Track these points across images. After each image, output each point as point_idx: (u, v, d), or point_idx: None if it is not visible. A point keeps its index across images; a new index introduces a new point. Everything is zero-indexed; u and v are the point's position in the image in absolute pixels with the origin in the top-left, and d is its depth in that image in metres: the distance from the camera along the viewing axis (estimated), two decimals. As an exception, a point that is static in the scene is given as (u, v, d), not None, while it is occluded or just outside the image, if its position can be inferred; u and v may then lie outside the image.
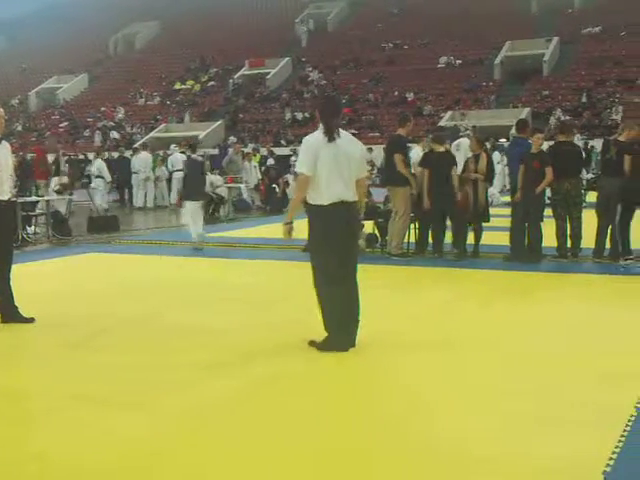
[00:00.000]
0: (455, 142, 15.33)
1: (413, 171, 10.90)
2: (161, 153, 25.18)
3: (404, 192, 10.44)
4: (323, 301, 5.75)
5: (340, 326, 5.70)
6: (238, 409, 4.60)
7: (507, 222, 10.42)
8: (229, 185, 18.72)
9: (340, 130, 5.78)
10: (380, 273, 9.65)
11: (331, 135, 5.65)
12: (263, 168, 22.99)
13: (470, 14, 42.88)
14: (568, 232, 9.99)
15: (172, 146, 23.45)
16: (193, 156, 13.07)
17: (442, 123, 32.27)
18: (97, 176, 19.99)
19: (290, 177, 22.08)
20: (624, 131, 10.04)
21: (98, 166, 20.27)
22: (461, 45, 41.26)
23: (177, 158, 20.27)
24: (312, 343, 5.78)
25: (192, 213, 12.17)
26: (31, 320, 6.79)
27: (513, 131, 15.56)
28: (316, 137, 5.71)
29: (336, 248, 5.68)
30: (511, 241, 10.18)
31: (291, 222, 5.96)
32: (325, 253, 5.74)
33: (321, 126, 5.71)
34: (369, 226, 11.50)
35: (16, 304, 6.87)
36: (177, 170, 19.75)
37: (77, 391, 4.96)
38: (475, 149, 10.85)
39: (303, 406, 4.61)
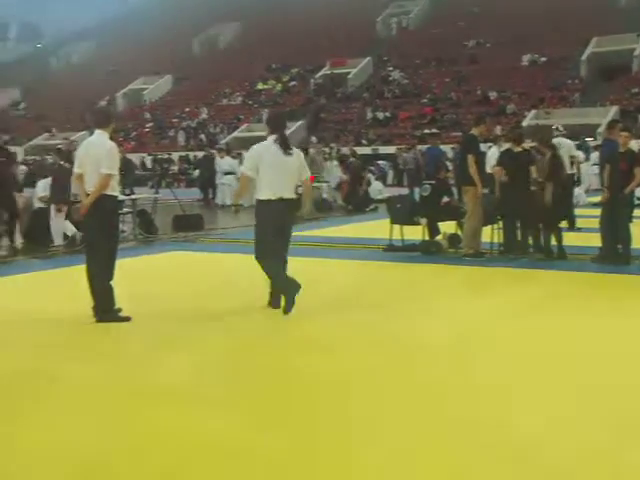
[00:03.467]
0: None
1: (490, 171, 10.81)
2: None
3: (474, 192, 10.37)
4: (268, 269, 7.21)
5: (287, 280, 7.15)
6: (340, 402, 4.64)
7: (597, 223, 10.19)
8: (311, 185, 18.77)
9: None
10: (446, 274, 9.72)
11: (285, 144, 7.13)
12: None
13: (555, 10, 42.00)
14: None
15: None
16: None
17: (525, 122, 31.75)
18: (227, 173, 20.53)
19: (372, 176, 22.09)
20: None
21: (230, 163, 20.91)
22: (546, 42, 40.45)
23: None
24: (271, 304, 7.28)
25: None
26: (127, 319, 6.93)
27: (600, 130, 15.20)
28: (265, 145, 7.19)
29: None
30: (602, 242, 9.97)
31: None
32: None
33: (273, 136, 7.16)
34: (451, 226, 11.43)
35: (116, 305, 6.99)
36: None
37: (166, 388, 5.09)
38: (542, 149, 10.63)
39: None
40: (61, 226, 12.35)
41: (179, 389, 5.02)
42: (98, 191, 6.87)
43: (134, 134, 44.79)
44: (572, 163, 13.62)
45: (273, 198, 7.07)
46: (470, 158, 10.36)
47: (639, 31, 38.50)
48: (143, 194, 16.70)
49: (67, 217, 12.28)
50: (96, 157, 6.90)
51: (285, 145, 7.15)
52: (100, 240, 6.97)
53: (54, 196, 12.32)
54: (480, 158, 10.75)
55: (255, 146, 7.29)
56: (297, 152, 7.36)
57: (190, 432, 4.22)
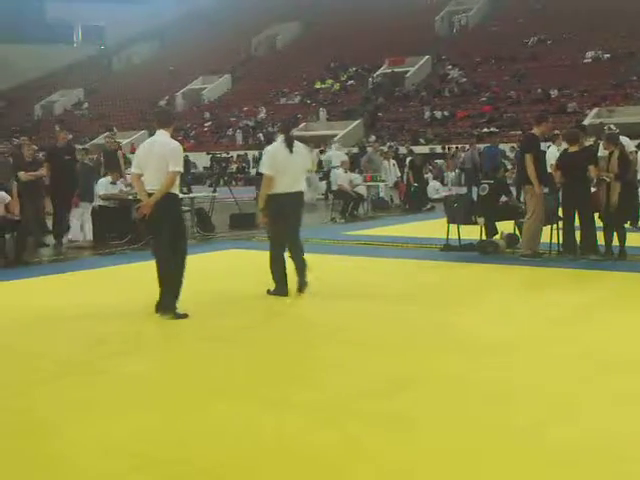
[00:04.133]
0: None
1: (550, 171, 10.69)
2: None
3: (534, 192, 10.24)
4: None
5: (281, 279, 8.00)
6: (378, 401, 4.63)
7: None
8: (368, 184, 18.80)
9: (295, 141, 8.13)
10: (503, 274, 9.64)
11: (290, 144, 7.99)
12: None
13: (618, 4, 41.17)
14: None
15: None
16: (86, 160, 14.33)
17: (587, 121, 31.19)
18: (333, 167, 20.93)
19: (429, 175, 21.97)
20: None
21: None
22: (609, 38, 39.69)
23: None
24: (268, 291, 8.00)
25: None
26: (184, 316, 7.01)
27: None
28: (275, 146, 8.11)
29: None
30: None
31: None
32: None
33: (282, 137, 8.10)
34: (509, 226, 11.31)
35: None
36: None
37: (219, 385, 5.14)
38: (607, 147, 10.45)
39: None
40: (77, 221, 12.98)
41: (232, 385, 5.07)
42: (166, 189, 6.98)
43: (193, 133, 45.28)
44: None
45: (284, 192, 7.92)
46: (528, 157, 10.26)
47: None
48: (201, 193, 16.88)
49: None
50: (161, 155, 7.03)
51: (290, 145, 8.00)
52: (166, 237, 7.09)
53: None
54: (540, 157, 10.62)
55: (269, 147, 8.28)
56: (302, 149, 8.26)
57: (242, 429, 4.26)
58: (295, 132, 40.30)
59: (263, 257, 8.24)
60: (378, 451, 3.92)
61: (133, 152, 11.79)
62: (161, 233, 7.14)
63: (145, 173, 7.12)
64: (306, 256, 8.02)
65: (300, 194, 8.17)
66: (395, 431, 4.21)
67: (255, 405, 4.67)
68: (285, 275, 8.05)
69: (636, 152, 14.22)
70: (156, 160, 7.05)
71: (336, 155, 22.16)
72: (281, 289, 8.02)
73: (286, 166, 7.91)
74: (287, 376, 5.35)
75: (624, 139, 13.51)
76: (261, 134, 42.22)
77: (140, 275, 7.87)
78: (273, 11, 59.03)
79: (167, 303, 7.06)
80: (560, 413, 4.47)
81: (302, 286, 8.05)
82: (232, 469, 3.77)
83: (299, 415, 4.50)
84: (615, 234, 10.13)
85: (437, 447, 3.97)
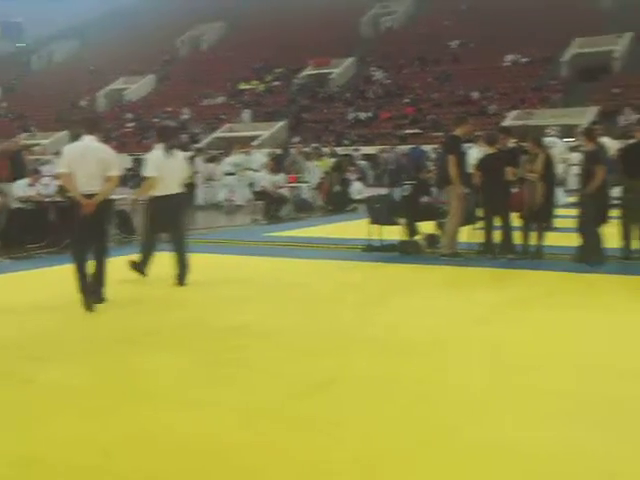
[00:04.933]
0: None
1: (472, 171, 10.87)
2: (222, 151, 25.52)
3: (456, 192, 10.41)
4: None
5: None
6: (301, 402, 4.60)
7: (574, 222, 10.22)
8: (291, 185, 18.80)
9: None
10: (423, 274, 9.75)
11: (169, 151, 8.90)
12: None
13: (538, 11, 42.14)
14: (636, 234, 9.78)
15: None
16: None
17: (507, 123, 31.80)
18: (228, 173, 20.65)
19: (352, 177, 22.07)
20: None
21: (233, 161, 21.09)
22: (528, 43, 40.57)
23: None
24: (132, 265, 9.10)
25: None
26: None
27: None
28: (156, 153, 8.93)
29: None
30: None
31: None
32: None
33: (161, 145, 8.95)
34: (430, 226, 11.43)
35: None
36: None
37: (139, 389, 5.04)
38: (532, 149, 10.67)
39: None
40: None
41: (153, 388, 4.98)
42: (109, 191, 7.70)
43: (115, 134, 44.54)
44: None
45: (164, 194, 8.73)
46: (450, 158, 10.41)
47: (619, 32, 38.70)
48: (123, 194, 16.57)
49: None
50: (100, 160, 7.63)
51: (169, 152, 8.90)
52: (105, 236, 7.94)
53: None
54: (462, 158, 10.79)
55: (150, 154, 9.09)
56: (180, 156, 9.33)
57: (160, 432, 4.18)
58: (219, 134, 40.22)
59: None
60: (294, 452, 3.89)
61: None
62: (102, 232, 7.85)
63: (79, 175, 7.55)
64: (230, 258, 8.01)
65: (178, 196, 8.97)
66: (313, 432, 4.19)
67: (175, 407, 4.60)
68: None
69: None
70: (95, 164, 7.60)
71: (256, 157, 22.12)
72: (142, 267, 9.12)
73: (165, 171, 8.75)
74: (208, 378, 5.27)
75: (558, 142, 13.88)
76: (185, 135, 41.82)
77: (57, 278, 7.71)
78: (197, 11, 58.48)
79: (98, 292, 7.70)
80: (477, 412, 4.51)
81: (181, 280, 8.83)
82: (149, 473, 3.71)
83: (218, 416, 4.44)
84: (533, 233, 10.36)
85: (354, 448, 3.96)
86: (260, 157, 22.27)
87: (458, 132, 10.89)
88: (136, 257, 9.21)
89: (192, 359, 5.73)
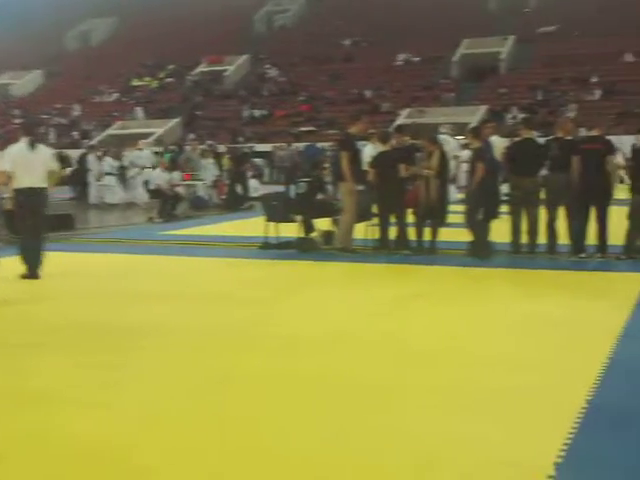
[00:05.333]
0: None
1: (366, 168, 11.07)
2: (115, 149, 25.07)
3: (348, 188, 10.57)
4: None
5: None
6: (196, 401, 4.56)
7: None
8: (186, 182, 18.62)
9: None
10: (319, 270, 9.87)
11: (32, 145, 9.01)
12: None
13: (428, 12, 43.07)
14: (525, 228, 10.12)
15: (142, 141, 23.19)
16: None
17: (400, 121, 32.39)
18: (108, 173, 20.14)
19: (248, 174, 22.03)
20: (560, 128, 10.34)
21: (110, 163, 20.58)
22: (419, 43, 41.39)
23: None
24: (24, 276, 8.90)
25: None
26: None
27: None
28: (18, 146, 9.04)
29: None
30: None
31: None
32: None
33: (25, 139, 9.05)
34: (327, 223, 11.52)
35: None
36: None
37: (35, 390, 4.90)
38: (428, 147, 10.90)
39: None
40: None
41: (49, 390, 4.84)
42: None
43: (1, 131, 43.01)
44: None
45: (27, 187, 8.89)
46: (344, 156, 10.56)
47: (505, 34, 39.96)
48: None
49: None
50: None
51: (32, 145, 9.02)
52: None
53: None
54: (356, 156, 10.94)
55: (9, 148, 9.16)
56: (44, 149, 9.39)
57: (55, 434, 4.07)
58: (112, 131, 39.40)
59: (79, 259, 7.96)
60: (190, 451, 3.85)
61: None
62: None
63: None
64: (124, 257, 7.85)
65: (41, 190, 9.09)
66: (208, 430, 4.16)
67: (69, 410, 4.49)
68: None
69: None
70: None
71: (147, 155, 21.89)
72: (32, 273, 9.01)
73: (27, 165, 8.89)
74: (101, 380, 5.15)
75: (450, 140, 14.23)
76: (76, 132, 40.80)
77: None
78: (87, 5, 57.05)
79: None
80: (375, 405, 4.57)
81: (31, 276, 8.92)
82: (43, 476, 3.61)
83: (112, 418, 4.35)
84: (427, 229, 10.59)
85: (249, 445, 3.95)
86: (148, 154, 22.13)
87: (352, 130, 11.08)
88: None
89: (83, 360, 5.58)
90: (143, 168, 20.67)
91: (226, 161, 21.12)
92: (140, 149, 21.88)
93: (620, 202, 10.02)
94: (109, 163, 21.34)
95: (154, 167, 19.25)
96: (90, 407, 4.55)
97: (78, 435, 4.10)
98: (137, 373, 5.28)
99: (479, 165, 10.03)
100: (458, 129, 26.25)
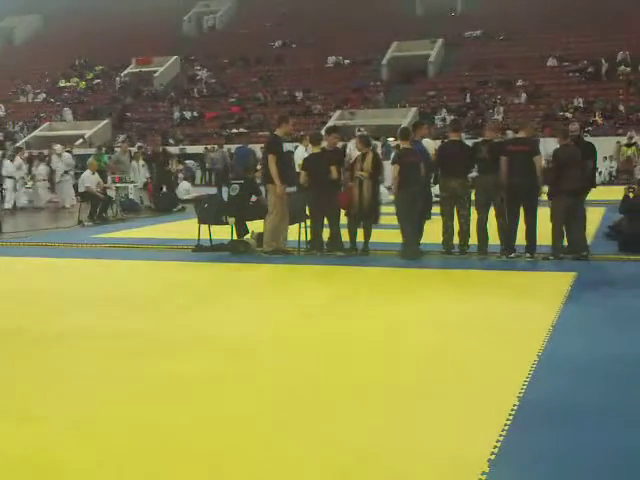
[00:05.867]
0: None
1: (298, 170, 11.13)
2: (45, 152, 24.55)
3: (275, 190, 10.61)
4: None
5: None
6: (136, 411, 4.52)
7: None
8: (117, 185, 18.37)
9: None
10: (252, 272, 9.91)
11: None
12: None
13: (357, 15, 43.35)
14: (456, 229, 10.29)
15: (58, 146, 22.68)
16: None
17: (331, 122, 32.56)
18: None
19: (180, 176, 21.86)
20: (488, 130, 10.59)
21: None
22: (349, 45, 41.66)
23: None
24: None
25: None
26: None
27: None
28: None
29: None
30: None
31: None
32: None
33: None
34: (260, 225, 11.51)
35: None
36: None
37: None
38: (361, 148, 11.01)
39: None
40: None
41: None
42: None
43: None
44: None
45: None
46: (271, 158, 10.61)
47: (433, 38, 40.52)
48: None
49: None
50: None
51: None
52: None
53: None
54: (284, 157, 10.97)
55: None
56: None
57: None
58: (40, 132, 38.60)
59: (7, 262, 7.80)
60: (122, 457, 3.82)
61: None
62: None
63: None
64: (54, 260, 7.71)
65: None
66: (146, 435, 4.14)
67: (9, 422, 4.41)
68: None
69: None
70: None
71: (66, 158, 21.73)
72: None
73: None
74: (34, 389, 5.06)
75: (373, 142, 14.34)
76: (0, 133, 39.83)
77: None
78: (9, 3, 55.62)
79: None
80: (307, 407, 4.60)
81: None
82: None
83: (47, 428, 4.28)
84: (360, 231, 10.67)
85: (186, 448, 3.94)
86: (68, 156, 21.90)
87: (279, 132, 11.12)
88: None
89: (17, 369, 5.48)
90: (66, 172, 20.59)
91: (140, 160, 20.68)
92: (59, 153, 21.55)
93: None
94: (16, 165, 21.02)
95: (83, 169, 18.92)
96: (21, 420, 4.48)
97: (11, 449, 4.03)
98: (66, 380, 5.20)
99: (395, 166, 10.24)
100: (387, 131, 26.52)
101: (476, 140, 11.27)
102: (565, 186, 9.77)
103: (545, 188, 10.09)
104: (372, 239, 10.69)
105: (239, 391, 4.90)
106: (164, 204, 18.70)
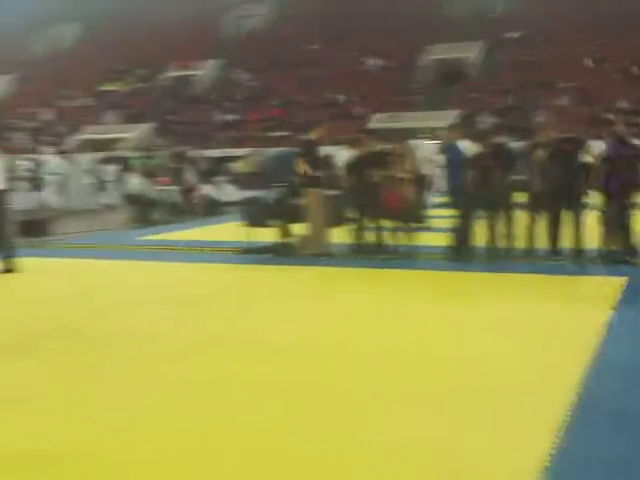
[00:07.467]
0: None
1: (340, 173, 11.16)
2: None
3: (313, 194, 10.62)
4: None
5: None
6: (172, 408, 4.58)
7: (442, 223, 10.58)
8: (162, 188, 18.59)
9: None
10: (296, 274, 9.91)
11: None
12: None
13: (397, 17, 43.20)
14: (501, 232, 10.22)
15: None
16: None
17: (372, 125, 32.51)
18: None
19: (223, 179, 22.03)
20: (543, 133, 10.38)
21: None
22: (388, 47, 41.49)
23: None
24: None
25: None
26: None
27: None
28: None
29: None
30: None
31: None
32: None
33: None
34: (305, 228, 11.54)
35: None
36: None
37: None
38: (401, 151, 10.95)
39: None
40: None
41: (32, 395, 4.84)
42: None
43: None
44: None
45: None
46: (300, 161, 10.64)
47: (470, 40, 40.18)
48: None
49: None
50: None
51: None
52: None
53: None
54: (317, 161, 10.95)
55: None
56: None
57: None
58: (84, 135, 39.10)
59: (56, 263, 7.92)
60: (163, 456, 3.87)
61: None
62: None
63: None
64: (102, 262, 7.80)
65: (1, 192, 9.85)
66: (183, 439, 4.18)
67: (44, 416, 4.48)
68: None
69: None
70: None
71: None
72: None
73: None
74: (75, 387, 5.15)
75: (425, 144, 14.29)
76: (48, 137, 40.39)
77: None
78: (50, 11, 56.31)
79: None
80: (355, 412, 4.58)
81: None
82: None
83: (86, 425, 4.36)
84: (404, 233, 10.65)
85: (195, 448, 3.97)
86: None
87: (312, 136, 11.14)
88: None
89: (60, 367, 5.58)
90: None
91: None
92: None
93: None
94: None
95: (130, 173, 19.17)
96: (63, 413, 4.56)
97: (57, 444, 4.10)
98: (112, 380, 5.28)
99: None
100: (429, 133, 26.43)
101: (531, 141, 11.12)
102: (614, 188, 9.64)
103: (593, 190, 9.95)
104: (418, 242, 10.65)
105: (286, 394, 4.91)
106: (207, 207, 18.86)
